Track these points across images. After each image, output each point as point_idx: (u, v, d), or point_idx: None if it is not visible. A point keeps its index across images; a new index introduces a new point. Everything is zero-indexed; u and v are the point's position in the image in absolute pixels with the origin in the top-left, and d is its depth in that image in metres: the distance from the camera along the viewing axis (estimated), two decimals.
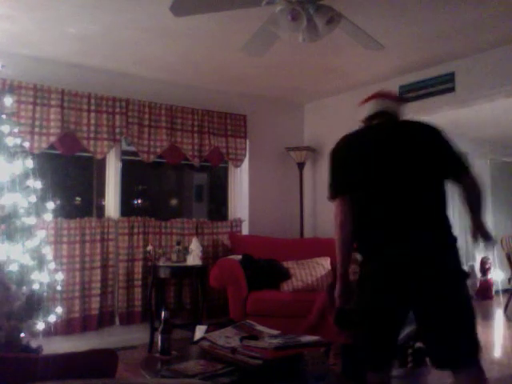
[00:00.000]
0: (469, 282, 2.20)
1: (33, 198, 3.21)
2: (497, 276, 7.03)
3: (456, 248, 2.13)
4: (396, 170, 2.11)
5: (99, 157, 4.32)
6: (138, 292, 4.42)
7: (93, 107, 4.25)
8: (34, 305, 3.06)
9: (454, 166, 2.15)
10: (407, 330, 2.88)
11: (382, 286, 2.06)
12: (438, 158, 2.13)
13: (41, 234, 3.29)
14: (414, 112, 4.63)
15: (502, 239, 6.13)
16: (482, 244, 2.21)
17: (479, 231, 2.19)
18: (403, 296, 2.04)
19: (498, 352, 4.47)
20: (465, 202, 2.15)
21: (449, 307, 2.01)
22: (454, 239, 2.14)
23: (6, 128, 3.14)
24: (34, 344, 3.17)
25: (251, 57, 3.38)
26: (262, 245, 4.76)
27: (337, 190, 2.24)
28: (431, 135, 2.20)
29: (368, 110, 2.40)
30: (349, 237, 2.14)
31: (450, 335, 1.97)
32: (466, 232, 6.93)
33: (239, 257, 4.42)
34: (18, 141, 3.24)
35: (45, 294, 3.15)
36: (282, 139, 5.48)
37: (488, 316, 6.14)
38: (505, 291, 6.66)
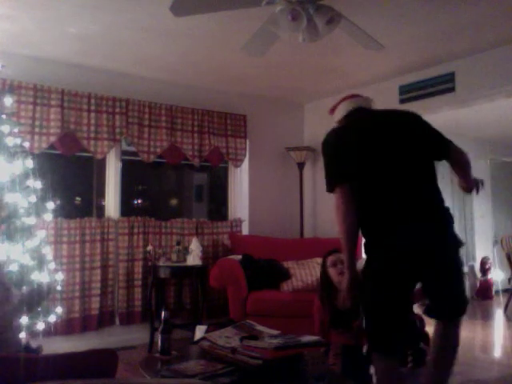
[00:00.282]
0: (467, 276, 2.54)
1: (33, 198, 3.21)
2: (497, 276, 7.03)
3: (452, 224, 2.27)
4: (390, 157, 2.20)
5: (99, 157, 4.32)
6: (138, 292, 4.42)
7: (93, 107, 4.25)
8: (34, 305, 3.06)
9: (440, 145, 2.32)
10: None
11: (393, 267, 2.15)
12: (424, 140, 2.28)
13: (41, 234, 3.29)
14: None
15: (502, 239, 6.13)
16: (474, 191, 2.41)
17: (471, 183, 2.39)
18: (413, 272, 2.19)
19: (497, 352, 4.47)
20: (456, 170, 2.36)
21: (449, 272, 2.25)
22: (451, 217, 2.28)
23: (5, 128, 3.14)
24: (33, 344, 3.17)
25: (251, 57, 3.38)
26: (262, 245, 4.76)
27: (335, 180, 2.23)
28: (413, 120, 2.34)
29: (343, 110, 2.47)
30: (353, 227, 2.18)
31: (453, 293, 2.27)
32: (466, 232, 6.95)
33: (239, 257, 4.42)
34: (18, 141, 3.24)
35: (45, 293, 3.15)
36: (282, 139, 5.48)
37: (488, 316, 6.15)
38: (505, 291, 6.66)
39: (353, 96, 2.49)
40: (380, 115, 2.40)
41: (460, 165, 2.37)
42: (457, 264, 2.29)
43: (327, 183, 2.27)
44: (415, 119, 2.36)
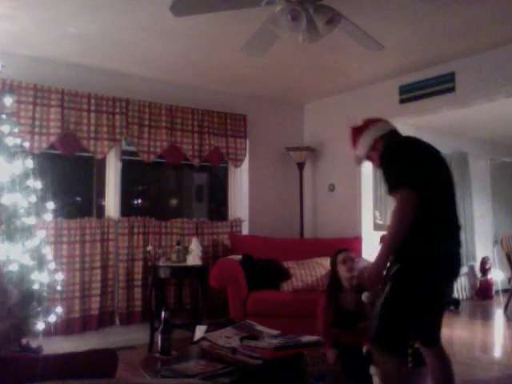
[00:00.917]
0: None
1: (33, 198, 3.21)
2: (497, 276, 7.03)
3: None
4: (445, 181, 2.44)
5: (99, 157, 4.32)
6: (137, 292, 4.42)
7: (93, 107, 4.25)
8: (34, 304, 3.06)
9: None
10: None
11: (439, 275, 2.32)
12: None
13: (41, 234, 3.29)
14: (414, 112, 4.66)
15: (502, 239, 6.12)
16: None
17: None
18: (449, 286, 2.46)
19: (497, 352, 4.47)
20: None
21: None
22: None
23: (5, 128, 3.14)
24: (34, 344, 3.18)
25: (251, 57, 3.38)
26: (262, 245, 4.76)
27: (408, 182, 2.26)
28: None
29: (382, 128, 2.59)
30: (406, 230, 2.25)
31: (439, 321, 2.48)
32: (466, 232, 6.93)
33: (239, 257, 4.42)
34: (18, 141, 3.24)
35: (45, 293, 3.15)
36: (282, 139, 5.48)
37: (488, 316, 6.14)
38: (505, 291, 6.66)
39: (380, 119, 2.64)
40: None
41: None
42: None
43: (395, 182, 2.29)
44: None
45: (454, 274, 2.43)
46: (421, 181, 2.28)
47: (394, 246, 2.25)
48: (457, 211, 2.46)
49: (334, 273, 3.31)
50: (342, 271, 3.23)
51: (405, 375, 2.44)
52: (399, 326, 2.31)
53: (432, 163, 2.43)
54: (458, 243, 2.42)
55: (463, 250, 6.85)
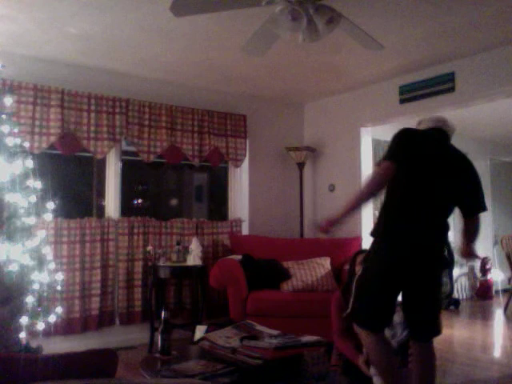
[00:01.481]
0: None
1: (33, 198, 3.21)
2: (497, 276, 7.03)
3: (446, 244, 2.52)
4: (439, 179, 2.45)
5: (99, 157, 4.32)
6: (137, 292, 4.42)
7: (93, 107, 4.25)
8: (34, 304, 3.06)
9: (474, 206, 2.55)
10: (407, 331, 2.88)
11: (397, 259, 2.40)
12: (468, 191, 2.52)
13: (41, 233, 3.29)
14: (414, 112, 4.66)
15: (502, 239, 6.13)
16: (466, 260, 2.69)
17: (469, 254, 2.65)
18: (408, 272, 2.42)
19: (497, 352, 4.47)
20: (465, 232, 2.60)
21: (430, 287, 2.48)
22: (447, 239, 2.55)
23: (5, 128, 3.14)
24: (33, 344, 3.17)
25: (251, 57, 3.38)
26: (262, 245, 4.76)
27: (390, 155, 2.45)
28: (471, 172, 2.56)
29: (433, 122, 2.66)
30: (370, 197, 2.45)
31: (428, 315, 2.50)
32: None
33: (239, 257, 4.42)
34: (18, 141, 3.24)
35: (45, 293, 3.15)
36: (282, 139, 5.48)
37: (488, 316, 6.14)
38: (505, 291, 6.67)
39: (442, 119, 2.68)
40: (453, 146, 2.62)
41: (471, 229, 2.59)
42: (438, 282, 2.52)
43: (384, 156, 2.47)
44: (474, 173, 2.56)
45: (417, 262, 2.40)
46: (408, 164, 2.41)
47: (357, 203, 2.43)
48: (443, 213, 2.49)
49: (351, 273, 3.31)
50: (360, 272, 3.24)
51: (386, 349, 2.47)
52: (365, 301, 2.48)
53: (428, 154, 2.47)
54: (431, 237, 2.43)
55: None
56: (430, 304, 2.50)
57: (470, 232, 2.59)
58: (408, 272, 2.43)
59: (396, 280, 2.44)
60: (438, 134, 2.58)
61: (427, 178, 2.45)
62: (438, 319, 2.53)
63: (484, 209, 2.53)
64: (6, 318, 2.88)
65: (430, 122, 2.64)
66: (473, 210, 2.55)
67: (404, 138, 2.50)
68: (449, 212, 2.54)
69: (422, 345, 2.54)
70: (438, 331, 2.55)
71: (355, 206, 2.44)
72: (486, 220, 7.42)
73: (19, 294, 2.95)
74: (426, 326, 2.52)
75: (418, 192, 2.44)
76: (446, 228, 2.52)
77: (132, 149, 4.57)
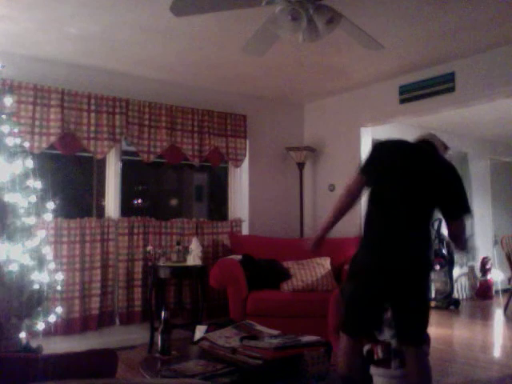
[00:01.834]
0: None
1: (33, 198, 3.21)
2: (497, 276, 7.03)
3: (430, 253, 2.53)
4: (408, 190, 2.45)
5: (99, 157, 4.32)
6: (137, 292, 4.42)
7: (93, 107, 4.25)
8: (34, 304, 3.06)
9: (455, 209, 2.50)
10: None
11: (373, 270, 2.45)
12: (446, 195, 2.47)
13: (41, 234, 3.29)
14: (414, 112, 4.66)
15: (502, 239, 6.12)
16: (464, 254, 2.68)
17: (461, 246, 2.64)
18: (387, 283, 2.43)
19: (497, 352, 4.47)
20: (450, 234, 2.58)
21: (412, 297, 2.46)
22: (431, 247, 2.57)
23: (5, 128, 3.14)
24: (33, 344, 3.17)
25: (251, 57, 3.38)
26: (262, 245, 4.76)
27: (362, 169, 2.54)
28: (450, 174, 2.51)
29: (421, 135, 2.69)
30: (348, 208, 2.53)
31: (410, 320, 2.49)
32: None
33: (239, 257, 4.42)
34: (18, 141, 3.24)
35: (45, 293, 3.15)
36: (282, 139, 5.48)
37: (488, 316, 6.14)
38: (505, 291, 6.66)
39: (435, 138, 2.67)
40: (430, 156, 2.57)
41: (458, 233, 2.54)
42: (424, 292, 2.51)
43: (357, 170, 2.57)
44: (453, 175, 2.52)
45: (384, 274, 2.41)
46: (377, 177, 2.49)
47: (334, 218, 2.54)
48: (417, 224, 2.46)
49: None
50: None
51: (352, 353, 2.51)
52: (344, 308, 2.58)
53: (396, 165, 2.49)
54: (399, 258, 2.40)
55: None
56: (414, 309, 2.47)
57: (455, 236, 2.55)
58: (381, 291, 2.46)
59: (370, 299, 2.48)
60: (417, 145, 2.60)
61: (394, 188, 2.47)
62: (422, 323, 2.49)
63: (467, 211, 2.49)
64: (6, 318, 2.88)
65: (420, 136, 2.67)
66: (454, 213, 2.50)
67: (374, 151, 2.58)
68: (425, 221, 2.50)
69: (408, 348, 2.51)
70: (419, 336, 2.49)
71: (333, 221, 2.55)
72: (486, 220, 7.44)
73: (19, 294, 2.95)
74: (407, 330, 2.50)
75: (383, 205, 2.48)
76: (424, 240, 2.50)
77: (132, 149, 4.57)
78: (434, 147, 2.58)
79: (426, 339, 2.54)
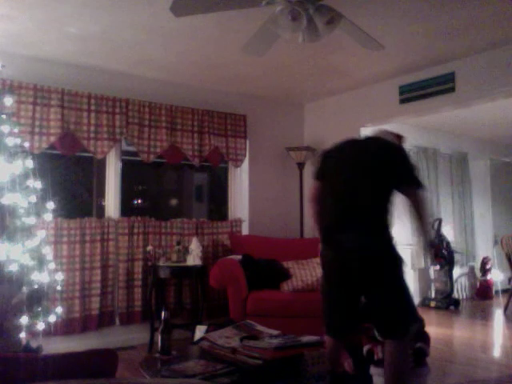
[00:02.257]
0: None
1: (33, 198, 3.21)
2: (496, 276, 7.03)
3: (388, 239, 2.50)
4: (345, 175, 2.58)
5: (99, 157, 4.32)
6: (137, 292, 4.42)
7: (93, 107, 4.25)
8: (34, 304, 3.06)
9: (403, 181, 2.52)
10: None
11: (333, 266, 2.55)
12: (390, 171, 2.51)
13: (41, 234, 3.29)
14: (414, 112, 4.66)
15: (502, 239, 6.12)
16: (424, 248, 2.81)
17: (423, 239, 2.64)
18: (347, 275, 2.48)
19: (497, 352, 4.47)
20: (411, 214, 2.52)
21: (383, 289, 2.48)
22: (388, 233, 2.51)
23: (5, 128, 3.14)
24: (33, 344, 3.17)
25: (251, 57, 3.38)
26: (262, 245, 4.76)
27: (316, 175, 2.76)
28: (389, 151, 2.58)
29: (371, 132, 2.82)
30: (315, 212, 2.72)
31: (387, 312, 2.49)
32: (466, 232, 6.94)
33: (239, 257, 4.42)
34: (18, 141, 3.24)
35: (44, 294, 3.15)
36: (282, 139, 5.48)
37: (488, 316, 6.14)
38: (505, 291, 6.66)
39: (388, 132, 2.77)
40: (363, 141, 2.78)
41: (416, 212, 2.50)
42: (392, 282, 2.49)
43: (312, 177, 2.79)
44: (395, 153, 2.57)
45: (346, 270, 2.47)
46: (325, 177, 2.68)
47: (316, 226, 2.72)
48: (360, 206, 2.47)
49: None
50: None
51: (334, 350, 2.58)
52: (322, 308, 2.65)
53: (332, 162, 2.67)
54: (346, 237, 2.45)
55: (463, 250, 6.91)
56: (384, 301, 2.46)
57: (415, 215, 2.48)
58: (344, 282, 2.51)
59: (337, 291, 2.56)
60: (355, 139, 2.82)
61: (339, 180, 2.59)
62: (396, 316, 2.47)
63: (417, 183, 2.49)
64: (6, 318, 2.88)
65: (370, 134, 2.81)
66: (406, 188, 2.48)
67: (319, 156, 2.79)
68: (378, 206, 2.49)
69: (386, 342, 2.50)
70: (398, 331, 2.46)
71: (318, 227, 2.70)
72: (486, 220, 7.44)
73: (19, 294, 2.95)
74: (381, 322, 2.50)
75: (332, 198, 2.60)
76: (379, 225, 2.48)
77: (132, 149, 4.57)
78: (380, 138, 2.68)
79: (406, 333, 2.47)
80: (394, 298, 2.46)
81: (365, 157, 2.56)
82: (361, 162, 2.55)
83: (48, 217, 3.38)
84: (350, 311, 2.56)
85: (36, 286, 3.08)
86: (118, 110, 4.37)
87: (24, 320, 2.95)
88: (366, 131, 3.01)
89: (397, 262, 2.49)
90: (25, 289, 2.99)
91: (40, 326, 3.10)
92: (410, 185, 2.49)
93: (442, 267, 6.28)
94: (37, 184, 3.25)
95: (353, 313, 2.57)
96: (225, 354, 2.31)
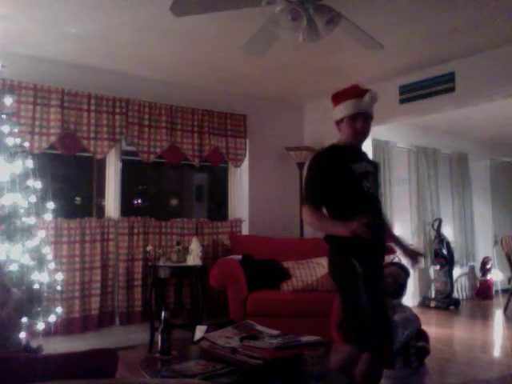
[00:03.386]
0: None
1: (33, 198, 3.21)
2: (496, 276, 7.03)
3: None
4: None
5: (99, 157, 4.32)
6: (137, 292, 4.42)
7: (93, 107, 4.25)
8: (34, 304, 3.06)
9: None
10: (408, 331, 2.89)
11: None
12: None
13: (41, 234, 3.29)
14: (414, 112, 4.66)
15: (502, 239, 6.12)
16: None
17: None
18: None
19: (497, 352, 4.47)
20: None
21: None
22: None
23: (5, 128, 3.14)
24: (34, 344, 3.17)
25: (251, 57, 3.38)
26: (262, 245, 4.76)
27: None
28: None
29: (345, 110, 2.79)
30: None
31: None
32: (466, 232, 6.94)
33: (239, 257, 4.42)
34: (18, 141, 3.24)
35: (45, 293, 3.15)
36: (282, 139, 5.48)
37: (488, 316, 6.15)
38: (505, 291, 6.66)
39: (360, 93, 2.77)
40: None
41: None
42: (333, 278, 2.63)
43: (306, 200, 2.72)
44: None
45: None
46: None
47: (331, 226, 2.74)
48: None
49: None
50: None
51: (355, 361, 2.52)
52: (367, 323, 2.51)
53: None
54: None
55: (463, 250, 6.92)
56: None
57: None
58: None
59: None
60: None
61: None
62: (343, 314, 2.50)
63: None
64: (6, 318, 2.87)
65: (349, 110, 2.89)
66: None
67: None
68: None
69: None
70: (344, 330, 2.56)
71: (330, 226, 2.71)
72: (486, 220, 7.44)
73: (19, 294, 2.95)
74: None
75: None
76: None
77: (132, 149, 4.57)
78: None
79: (349, 337, 2.45)
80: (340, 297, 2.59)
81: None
82: None
83: (48, 217, 3.38)
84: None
85: (36, 286, 3.08)
86: (118, 110, 4.37)
87: (24, 320, 2.95)
88: None
89: (332, 251, 2.76)
90: (25, 289, 2.99)
91: (40, 325, 3.10)
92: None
93: (442, 267, 6.28)
94: (37, 184, 3.25)
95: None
96: (225, 354, 2.31)
